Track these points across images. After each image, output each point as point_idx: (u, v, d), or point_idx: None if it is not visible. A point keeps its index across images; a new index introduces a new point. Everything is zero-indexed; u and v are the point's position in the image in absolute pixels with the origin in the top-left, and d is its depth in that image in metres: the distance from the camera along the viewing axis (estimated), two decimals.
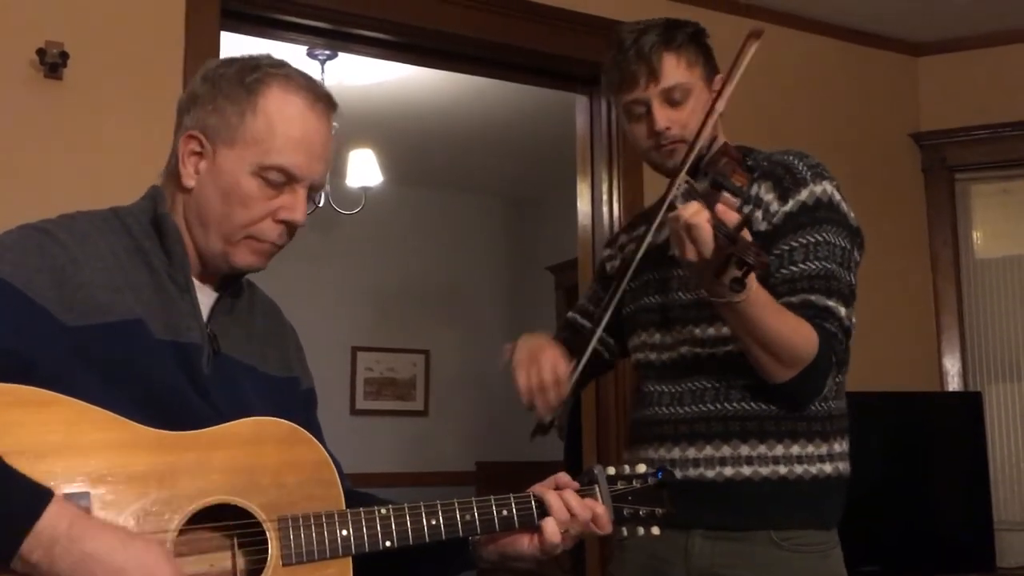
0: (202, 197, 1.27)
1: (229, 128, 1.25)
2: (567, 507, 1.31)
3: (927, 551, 3.10)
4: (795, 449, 1.61)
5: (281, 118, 1.26)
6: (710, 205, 1.39)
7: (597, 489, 1.36)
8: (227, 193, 1.25)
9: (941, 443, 3.27)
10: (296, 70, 1.30)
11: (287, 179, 1.26)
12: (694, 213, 1.36)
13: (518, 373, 1.65)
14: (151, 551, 1.06)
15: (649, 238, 1.61)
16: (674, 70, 1.65)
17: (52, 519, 1.02)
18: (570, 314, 1.99)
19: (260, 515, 1.16)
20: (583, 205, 3.22)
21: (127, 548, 1.05)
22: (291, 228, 1.29)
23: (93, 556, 1.03)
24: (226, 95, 1.26)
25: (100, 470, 1.09)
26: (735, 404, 1.62)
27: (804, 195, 1.62)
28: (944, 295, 3.59)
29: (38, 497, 1.03)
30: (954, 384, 3.54)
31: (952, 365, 3.56)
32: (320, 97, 1.29)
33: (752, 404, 1.62)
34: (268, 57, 1.31)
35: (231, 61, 1.30)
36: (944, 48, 3.66)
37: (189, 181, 1.27)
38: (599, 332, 1.69)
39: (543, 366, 1.63)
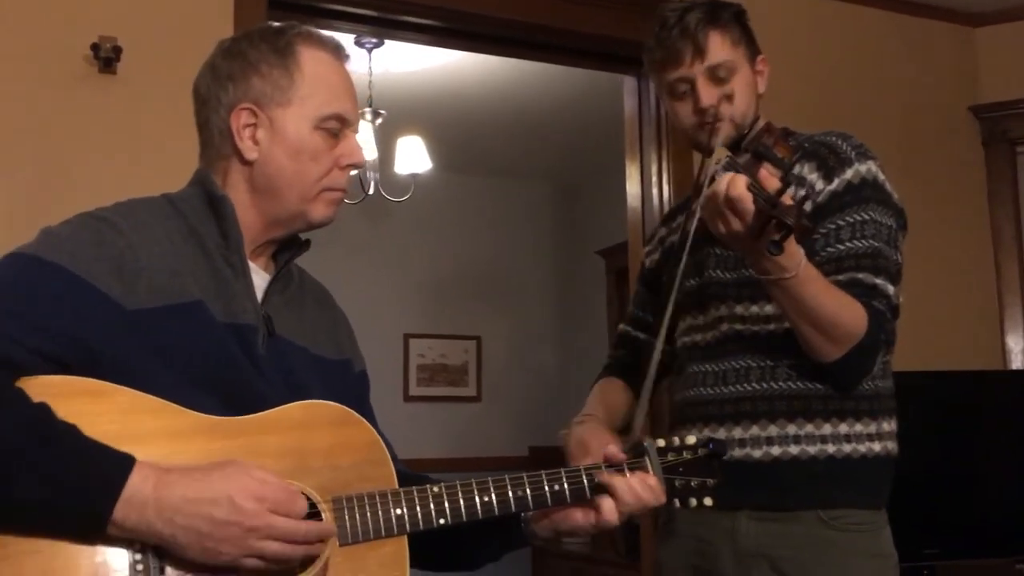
0: (269, 164, 1.29)
1: (281, 90, 1.29)
2: (633, 492, 1.30)
3: (989, 534, 3.02)
4: (843, 428, 1.60)
5: (322, 71, 1.31)
6: (751, 175, 1.36)
7: (648, 462, 1.35)
8: (296, 152, 1.29)
9: (1005, 423, 3.18)
10: (307, 27, 1.35)
11: (341, 125, 1.31)
12: (732, 184, 1.34)
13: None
14: (230, 475, 1.10)
15: (696, 221, 1.56)
16: (720, 48, 1.66)
17: (137, 483, 1.06)
18: (622, 326, 1.95)
19: (315, 497, 1.17)
20: (632, 187, 3.20)
21: (208, 481, 1.09)
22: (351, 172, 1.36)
23: (182, 505, 1.07)
24: (266, 62, 1.29)
25: (156, 458, 1.11)
26: (781, 383, 1.61)
27: (849, 174, 1.60)
28: (1006, 271, 3.49)
29: (122, 463, 1.07)
30: (1018, 362, 3.45)
31: (1016, 343, 3.47)
32: (337, 44, 1.35)
33: (799, 383, 1.60)
34: (277, 23, 1.36)
35: (247, 34, 1.34)
36: (1003, 18, 3.54)
37: (251, 154, 1.29)
38: (659, 346, 1.59)
39: (593, 454, 1.58)
